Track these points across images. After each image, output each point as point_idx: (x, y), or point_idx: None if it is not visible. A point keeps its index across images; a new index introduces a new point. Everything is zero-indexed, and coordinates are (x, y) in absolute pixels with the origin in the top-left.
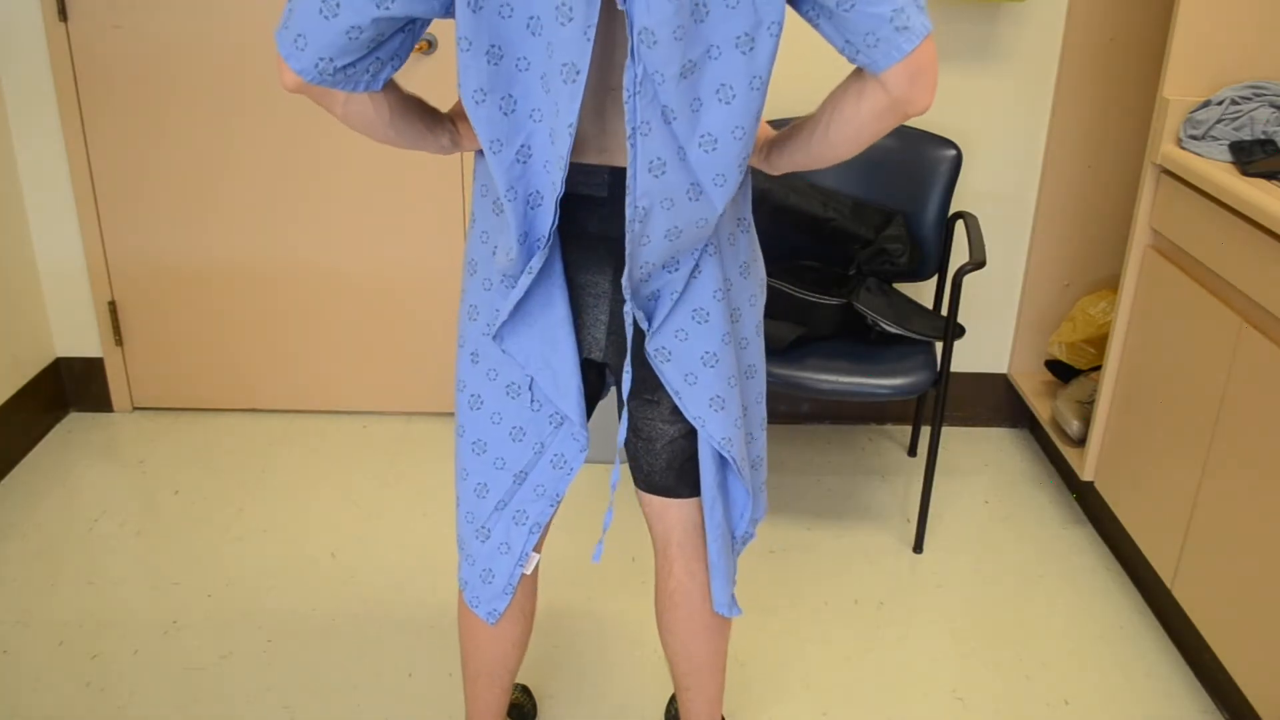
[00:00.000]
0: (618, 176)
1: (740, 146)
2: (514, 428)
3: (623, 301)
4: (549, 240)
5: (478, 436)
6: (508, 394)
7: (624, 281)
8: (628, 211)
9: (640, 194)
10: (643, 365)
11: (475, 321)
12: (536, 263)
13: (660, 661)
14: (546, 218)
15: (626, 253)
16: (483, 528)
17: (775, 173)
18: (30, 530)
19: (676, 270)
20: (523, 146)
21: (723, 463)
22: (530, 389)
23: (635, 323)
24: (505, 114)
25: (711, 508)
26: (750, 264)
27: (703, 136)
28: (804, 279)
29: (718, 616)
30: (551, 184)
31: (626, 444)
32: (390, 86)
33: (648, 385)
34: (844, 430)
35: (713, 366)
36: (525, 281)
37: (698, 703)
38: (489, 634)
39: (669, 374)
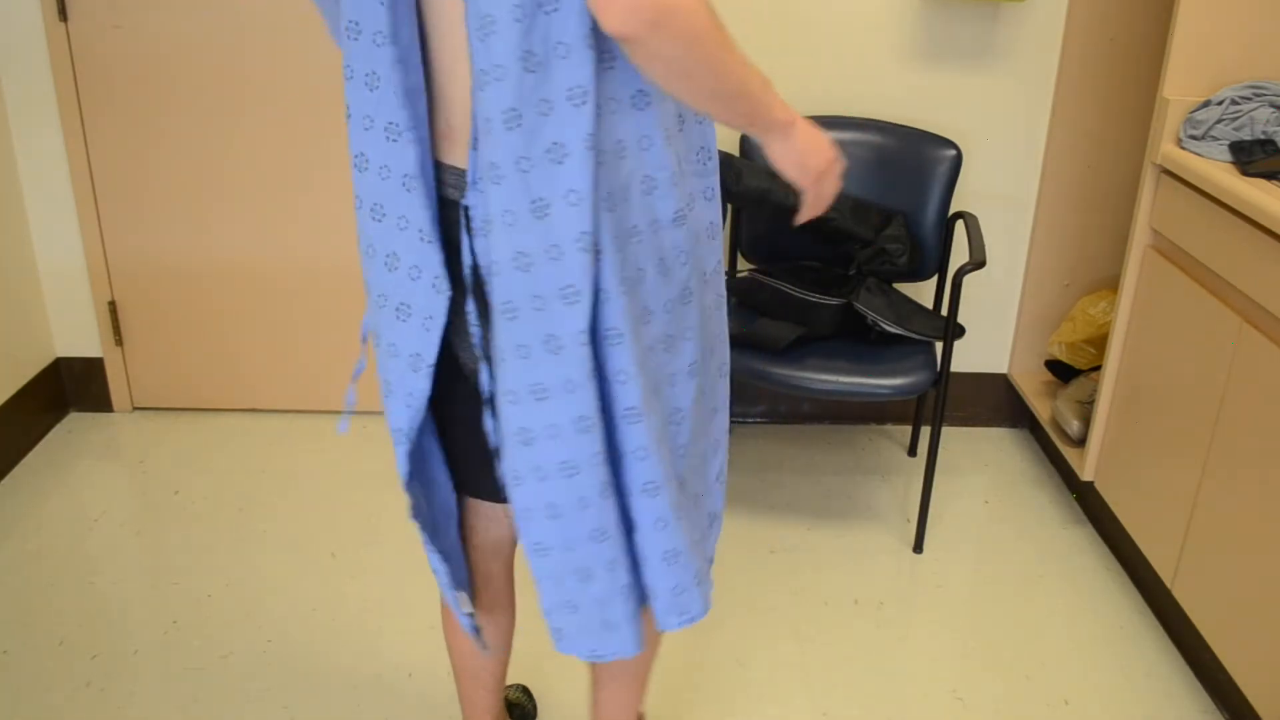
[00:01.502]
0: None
1: None
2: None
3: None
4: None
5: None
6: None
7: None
8: (471, 42)
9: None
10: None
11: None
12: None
13: (660, 662)
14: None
15: (474, 84)
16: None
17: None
18: (30, 530)
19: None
20: (379, 32)
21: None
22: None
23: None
24: None
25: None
26: (673, 267)
27: None
28: (804, 279)
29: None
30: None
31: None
32: None
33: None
34: (844, 430)
35: (545, 399)
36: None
37: (609, 705)
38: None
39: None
